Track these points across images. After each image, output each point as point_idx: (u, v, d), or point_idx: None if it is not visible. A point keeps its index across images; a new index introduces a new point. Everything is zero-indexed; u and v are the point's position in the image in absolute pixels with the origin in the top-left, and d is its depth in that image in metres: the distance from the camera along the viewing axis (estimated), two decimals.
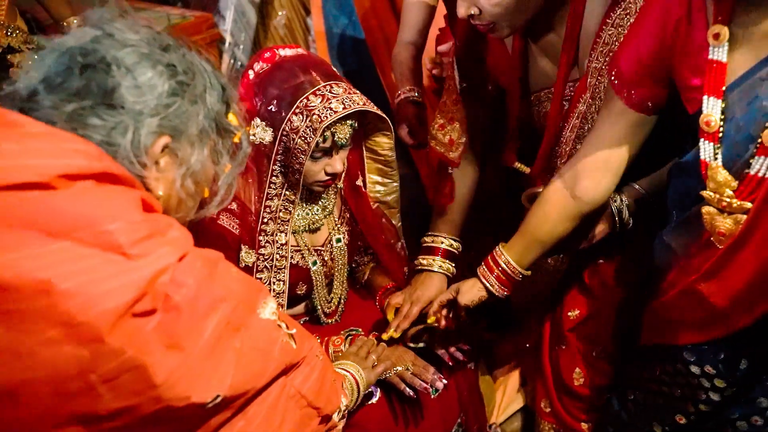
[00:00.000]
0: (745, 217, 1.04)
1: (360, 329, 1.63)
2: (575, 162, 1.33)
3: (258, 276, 1.46)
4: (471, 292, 1.48)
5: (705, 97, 1.03)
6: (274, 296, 1.39)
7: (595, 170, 1.29)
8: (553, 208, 1.36)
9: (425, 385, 1.44)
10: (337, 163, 1.41)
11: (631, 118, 1.22)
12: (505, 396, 1.98)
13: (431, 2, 2.02)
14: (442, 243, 1.69)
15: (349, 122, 1.37)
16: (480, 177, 1.74)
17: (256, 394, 0.89)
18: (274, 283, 1.49)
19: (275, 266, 1.48)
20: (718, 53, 1.00)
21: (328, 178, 1.43)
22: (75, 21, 2.28)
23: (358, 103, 1.35)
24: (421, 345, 1.58)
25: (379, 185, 1.67)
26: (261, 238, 1.45)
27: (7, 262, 0.65)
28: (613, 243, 1.50)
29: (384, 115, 1.44)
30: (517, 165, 1.68)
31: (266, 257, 1.47)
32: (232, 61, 3.32)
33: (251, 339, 0.86)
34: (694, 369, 1.24)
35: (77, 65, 0.82)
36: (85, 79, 0.82)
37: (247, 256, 1.45)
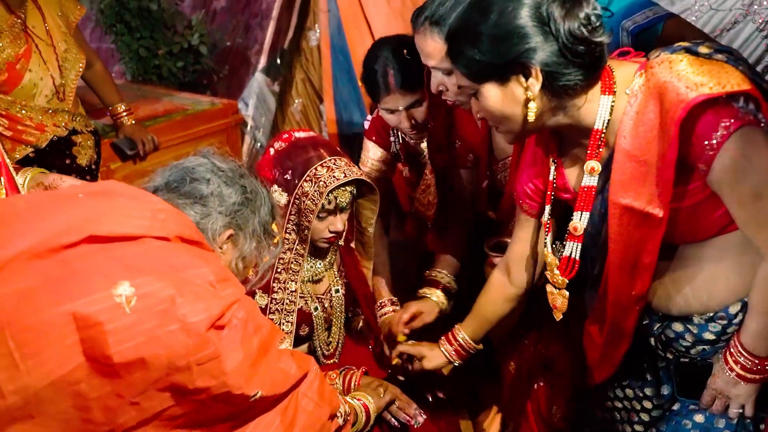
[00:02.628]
0: (567, 294, 1.38)
1: (354, 367, 1.84)
2: (507, 255, 1.62)
3: (270, 317, 1.74)
4: (435, 360, 1.74)
5: (578, 213, 1.31)
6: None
7: (519, 263, 1.58)
8: (496, 293, 1.66)
9: (408, 417, 1.69)
10: (339, 222, 1.72)
11: (533, 224, 1.51)
12: None
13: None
14: (443, 279, 1.96)
15: (349, 189, 1.69)
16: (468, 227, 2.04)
17: (280, 398, 1.20)
18: (283, 324, 1.77)
19: (285, 309, 1.77)
20: (590, 181, 1.28)
21: (332, 235, 1.73)
22: (122, 107, 2.67)
23: (356, 174, 1.69)
24: (402, 380, 1.82)
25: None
26: (274, 285, 1.75)
27: (150, 281, 0.99)
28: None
29: (375, 187, 1.77)
30: (490, 213, 1.97)
31: (278, 301, 1.76)
32: (252, 142, 3.69)
33: (275, 360, 1.19)
34: (628, 392, 1.50)
35: (189, 178, 1.31)
36: (191, 187, 1.30)
37: (261, 299, 1.74)
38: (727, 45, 1.37)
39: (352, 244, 1.94)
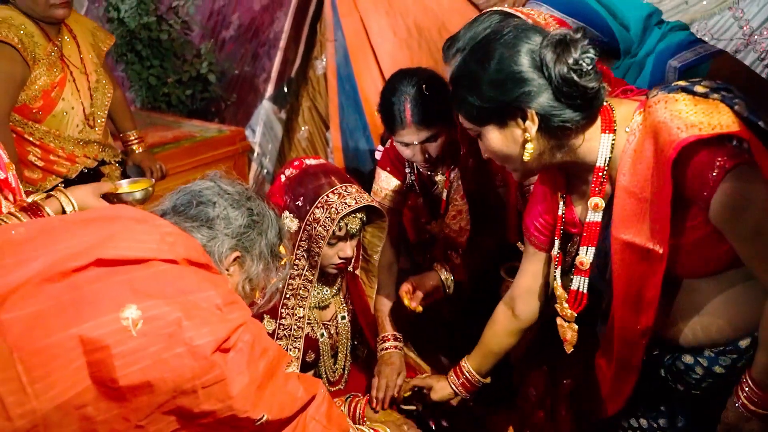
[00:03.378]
0: (576, 327, 1.39)
1: (359, 394, 1.86)
2: (512, 289, 1.63)
3: (278, 342, 1.74)
4: (442, 392, 1.75)
5: (584, 247, 1.33)
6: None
7: (525, 296, 1.59)
8: (501, 327, 1.66)
9: None
10: (348, 249, 1.73)
11: (541, 257, 1.53)
12: None
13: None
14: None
15: (359, 215, 1.70)
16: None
17: (286, 422, 1.19)
18: (290, 349, 1.76)
19: (293, 335, 1.76)
20: (595, 216, 1.30)
21: (341, 261, 1.74)
22: (134, 135, 2.71)
23: (367, 200, 1.70)
24: (411, 408, 1.81)
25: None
26: (282, 310, 1.74)
27: (157, 304, 1.00)
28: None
29: (384, 213, 1.79)
30: (519, 244, 1.89)
31: (286, 327, 1.75)
32: (259, 168, 3.72)
33: (282, 383, 1.19)
34: (643, 422, 1.49)
35: (195, 201, 1.32)
36: (198, 210, 1.30)
37: (269, 324, 1.74)
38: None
39: (358, 271, 1.94)
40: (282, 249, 1.44)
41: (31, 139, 2.26)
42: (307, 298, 1.77)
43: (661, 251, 1.17)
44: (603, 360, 1.42)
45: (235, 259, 1.32)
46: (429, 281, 2.00)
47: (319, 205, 1.66)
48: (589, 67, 1.14)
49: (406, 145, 1.88)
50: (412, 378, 1.84)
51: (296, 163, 1.77)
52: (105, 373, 0.95)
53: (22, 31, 2.14)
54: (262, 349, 1.13)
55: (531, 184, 1.81)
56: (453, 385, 1.73)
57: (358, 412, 1.74)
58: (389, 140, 2.14)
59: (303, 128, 3.65)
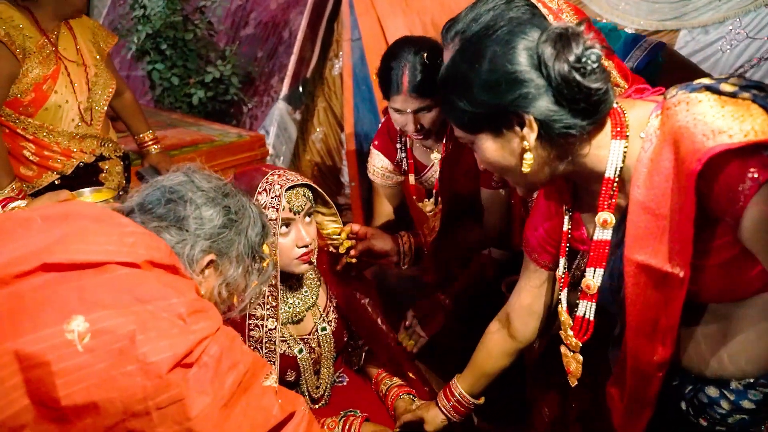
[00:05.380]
0: (581, 358, 1.24)
1: (358, 411, 1.71)
2: (508, 307, 1.50)
3: None
4: (435, 421, 1.61)
5: (591, 269, 1.18)
6: None
7: (522, 315, 1.46)
8: (495, 347, 1.52)
9: None
10: (303, 232, 1.58)
11: (542, 275, 1.40)
12: None
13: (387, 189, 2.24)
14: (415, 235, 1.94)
15: (302, 191, 1.58)
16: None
17: None
18: None
19: (267, 349, 1.61)
20: (604, 234, 1.15)
21: (303, 251, 1.58)
22: (149, 136, 2.66)
23: (307, 179, 1.60)
24: None
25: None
26: (250, 322, 1.60)
27: (108, 316, 0.90)
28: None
29: (327, 197, 1.70)
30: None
31: (256, 340, 1.60)
32: None
33: (256, 399, 1.07)
34: None
35: (164, 198, 1.18)
36: (167, 208, 1.17)
37: None
38: (758, 80, 1.22)
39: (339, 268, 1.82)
40: (265, 248, 1.31)
41: (24, 134, 2.21)
42: (277, 306, 1.60)
43: (681, 275, 1.02)
44: (615, 389, 1.27)
45: (209, 263, 1.19)
46: (383, 243, 1.91)
47: (260, 190, 1.55)
48: (594, 65, 0.99)
49: (400, 112, 1.81)
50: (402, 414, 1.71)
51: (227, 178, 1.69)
52: (45, 392, 0.86)
53: (10, 24, 2.10)
54: (231, 362, 1.01)
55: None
56: (443, 409, 1.60)
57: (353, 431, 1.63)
58: (387, 116, 2.09)
59: (318, 129, 3.59)
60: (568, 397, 1.76)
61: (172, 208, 1.18)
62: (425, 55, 1.75)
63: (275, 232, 1.53)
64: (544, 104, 1.02)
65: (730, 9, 2.45)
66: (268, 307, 1.60)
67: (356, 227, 1.83)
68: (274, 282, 1.59)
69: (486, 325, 1.62)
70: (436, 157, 2.00)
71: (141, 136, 2.65)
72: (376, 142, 2.16)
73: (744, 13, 2.36)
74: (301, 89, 3.55)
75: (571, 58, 0.99)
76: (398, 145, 2.10)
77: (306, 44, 3.49)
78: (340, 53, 3.41)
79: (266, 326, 1.61)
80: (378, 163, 2.17)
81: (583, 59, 0.99)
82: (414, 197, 2.18)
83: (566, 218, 1.25)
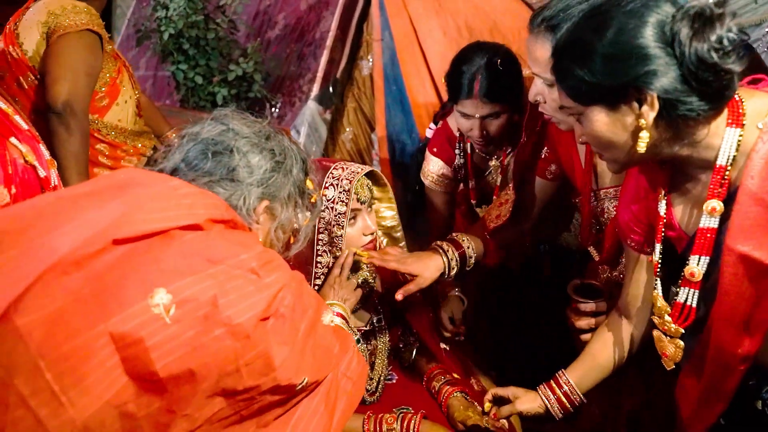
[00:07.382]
0: (682, 344, 1.22)
1: (412, 409, 1.69)
2: (622, 296, 1.46)
3: None
4: (531, 404, 1.53)
5: (695, 257, 1.17)
6: None
7: (636, 302, 1.42)
8: (614, 335, 1.48)
9: None
10: (369, 220, 1.62)
11: (643, 262, 1.37)
12: None
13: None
14: (464, 243, 1.79)
15: (365, 182, 1.61)
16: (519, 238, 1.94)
17: (322, 380, 1.12)
18: None
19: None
20: (711, 222, 1.14)
21: (369, 238, 1.63)
22: (172, 134, 2.66)
23: (368, 167, 1.62)
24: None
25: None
26: (317, 270, 1.62)
27: (187, 284, 0.92)
28: None
29: (386, 182, 1.71)
30: (590, 249, 1.80)
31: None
32: None
33: (321, 338, 1.12)
34: None
35: (210, 151, 1.16)
36: (214, 161, 1.16)
37: None
38: None
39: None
40: (309, 183, 1.31)
41: (98, 136, 2.19)
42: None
43: None
44: (690, 380, 1.26)
45: (265, 209, 1.19)
46: (425, 274, 1.69)
47: (326, 185, 1.57)
48: (730, 48, 0.99)
49: (467, 117, 1.82)
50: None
51: None
52: (142, 367, 0.88)
53: (97, 20, 2.08)
54: (302, 309, 1.05)
55: (605, 188, 1.68)
56: (546, 399, 1.51)
57: (412, 430, 1.59)
58: (441, 121, 2.07)
59: (347, 129, 3.60)
60: (619, 396, 1.76)
61: (220, 160, 1.16)
62: (498, 60, 1.77)
63: (343, 225, 1.57)
64: (669, 83, 1.01)
65: (767, 12, 2.45)
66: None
67: (375, 258, 1.65)
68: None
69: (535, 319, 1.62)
70: (495, 164, 2.00)
71: (165, 136, 2.64)
72: (434, 149, 2.13)
73: None
74: (331, 90, 3.57)
75: (713, 37, 0.98)
76: (457, 151, 2.09)
77: (336, 45, 3.52)
78: (370, 54, 3.43)
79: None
80: (434, 169, 2.15)
81: (724, 41, 0.98)
82: (473, 202, 2.18)
83: (662, 203, 1.23)
